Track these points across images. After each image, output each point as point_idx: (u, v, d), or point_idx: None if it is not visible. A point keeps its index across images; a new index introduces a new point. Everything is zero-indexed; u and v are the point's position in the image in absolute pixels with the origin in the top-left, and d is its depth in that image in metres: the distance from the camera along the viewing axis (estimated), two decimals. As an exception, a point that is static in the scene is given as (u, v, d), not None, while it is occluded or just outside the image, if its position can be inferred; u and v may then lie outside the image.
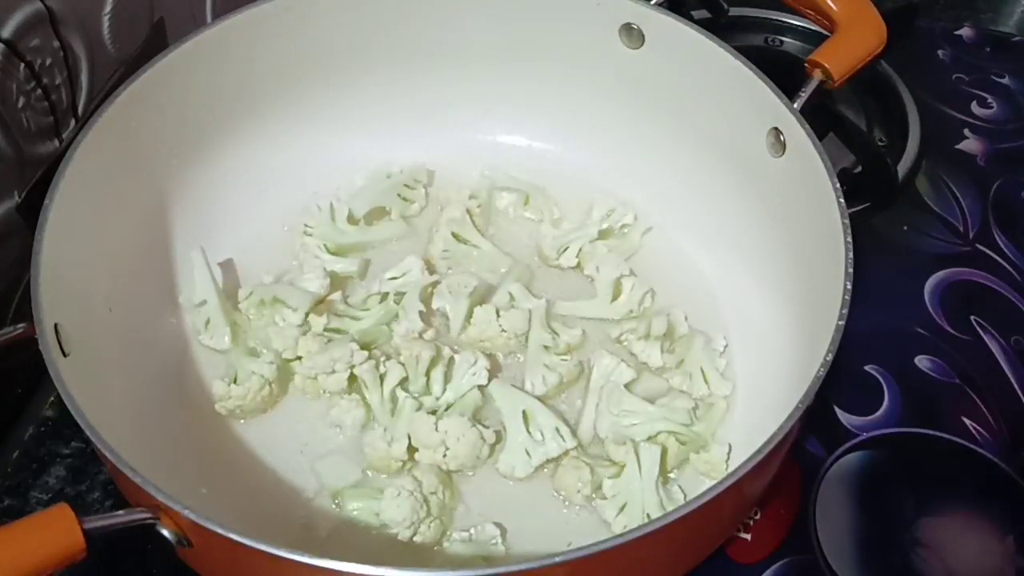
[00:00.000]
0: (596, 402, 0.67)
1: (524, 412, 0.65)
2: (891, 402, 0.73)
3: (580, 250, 0.76)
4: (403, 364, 0.67)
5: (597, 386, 0.68)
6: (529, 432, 0.65)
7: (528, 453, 0.64)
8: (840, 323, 0.55)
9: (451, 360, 0.67)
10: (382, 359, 0.68)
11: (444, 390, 0.67)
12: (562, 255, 0.76)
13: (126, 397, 0.63)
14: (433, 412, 0.65)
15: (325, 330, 0.70)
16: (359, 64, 0.78)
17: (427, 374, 0.67)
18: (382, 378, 0.67)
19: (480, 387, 0.67)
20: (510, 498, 0.65)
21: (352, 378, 0.67)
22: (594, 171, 0.81)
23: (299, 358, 0.69)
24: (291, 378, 0.69)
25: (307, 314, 0.70)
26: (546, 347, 0.69)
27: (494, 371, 0.68)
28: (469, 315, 0.70)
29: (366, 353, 0.67)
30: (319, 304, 0.72)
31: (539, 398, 0.68)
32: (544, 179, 0.81)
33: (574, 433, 0.66)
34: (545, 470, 0.65)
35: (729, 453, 0.65)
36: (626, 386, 0.67)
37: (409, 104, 0.81)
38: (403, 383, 0.67)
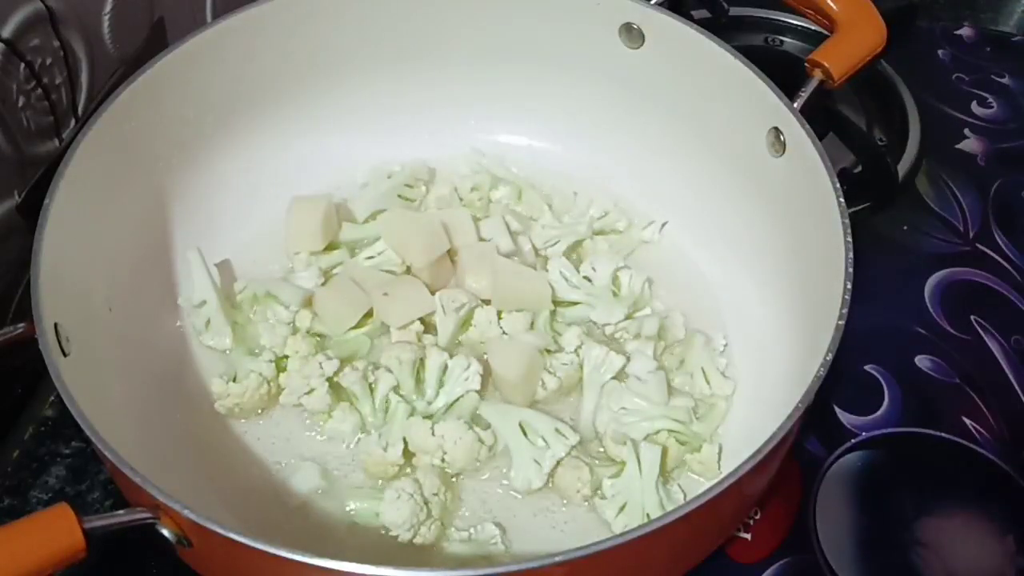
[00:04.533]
0: (594, 396, 0.67)
1: (520, 424, 0.65)
2: (891, 402, 0.73)
3: (570, 246, 0.76)
4: (391, 371, 0.67)
5: (591, 379, 0.68)
6: (531, 441, 0.65)
7: (537, 462, 0.64)
8: (840, 323, 0.55)
9: (444, 365, 0.67)
10: (370, 368, 0.68)
11: (437, 395, 0.67)
12: (550, 248, 0.76)
13: (126, 397, 0.63)
14: (429, 417, 0.65)
15: (309, 333, 0.70)
16: (358, 64, 0.78)
17: (416, 376, 0.67)
18: (371, 387, 0.67)
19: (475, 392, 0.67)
20: (510, 498, 0.65)
21: (336, 389, 0.67)
22: (594, 171, 0.81)
23: (287, 357, 0.69)
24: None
25: (298, 311, 0.70)
26: (548, 351, 0.69)
27: (487, 375, 0.68)
28: (459, 331, 0.70)
29: (337, 362, 0.67)
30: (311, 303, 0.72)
31: (535, 402, 0.68)
32: (543, 178, 0.81)
33: (575, 429, 0.66)
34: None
35: (720, 452, 0.66)
36: (626, 384, 0.67)
37: (409, 104, 0.81)
38: (395, 389, 0.66)
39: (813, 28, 0.89)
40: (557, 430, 0.65)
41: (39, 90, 0.72)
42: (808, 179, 0.62)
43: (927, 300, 0.79)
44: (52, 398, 0.72)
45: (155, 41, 0.81)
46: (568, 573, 0.48)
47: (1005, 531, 0.67)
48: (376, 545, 0.62)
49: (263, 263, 0.76)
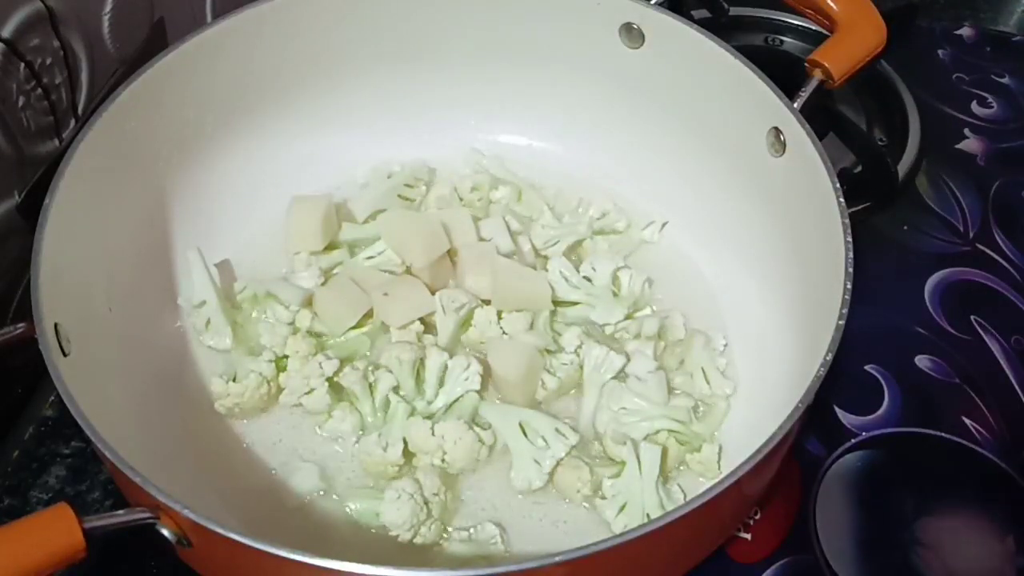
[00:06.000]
0: (594, 396, 0.67)
1: (520, 424, 0.65)
2: (891, 402, 0.73)
3: (570, 246, 0.76)
4: (391, 371, 0.67)
5: (591, 379, 0.68)
6: (531, 441, 0.65)
7: (537, 462, 0.64)
8: (840, 323, 0.55)
9: (444, 365, 0.67)
10: (370, 368, 0.68)
11: (437, 395, 0.67)
12: (550, 248, 0.76)
13: (126, 397, 0.63)
14: (429, 417, 0.65)
15: (309, 333, 0.70)
16: (358, 64, 0.78)
17: (416, 376, 0.67)
18: (372, 387, 0.67)
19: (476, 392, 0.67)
20: (510, 498, 0.65)
21: (336, 389, 0.67)
22: (594, 171, 0.81)
23: (287, 357, 0.69)
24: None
25: (299, 310, 0.70)
26: (548, 351, 0.69)
27: (487, 375, 0.68)
28: (459, 331, 0.70)
29: (337, 362, 0.67)
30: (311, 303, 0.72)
31: (536, 402, 0.68)
32: (543, 178, 0.81)
33: (575, 428, 0.66)
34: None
35: (720, 452, 0.66)
36: (626, 384, 0.67)
37: (409, 104, 0.81)
38: (395, 389, 0.67)
39: (813, 28, 0.89)
40: (557, 430, 0.65)
41: (39, 90, 0.72)
42: (808, 179, 0.62)
43: (927, 300, 0.79)
44: (52, 398, 0.72)
45: (155, 41, 0.81)
46: (568, 573, 0.48)
47: (1005, 531, 0.67)
48: (376, 545, 0.62)
49: (263, 263, 0.76)
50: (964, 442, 0.71)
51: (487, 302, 0.71)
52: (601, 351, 0.68)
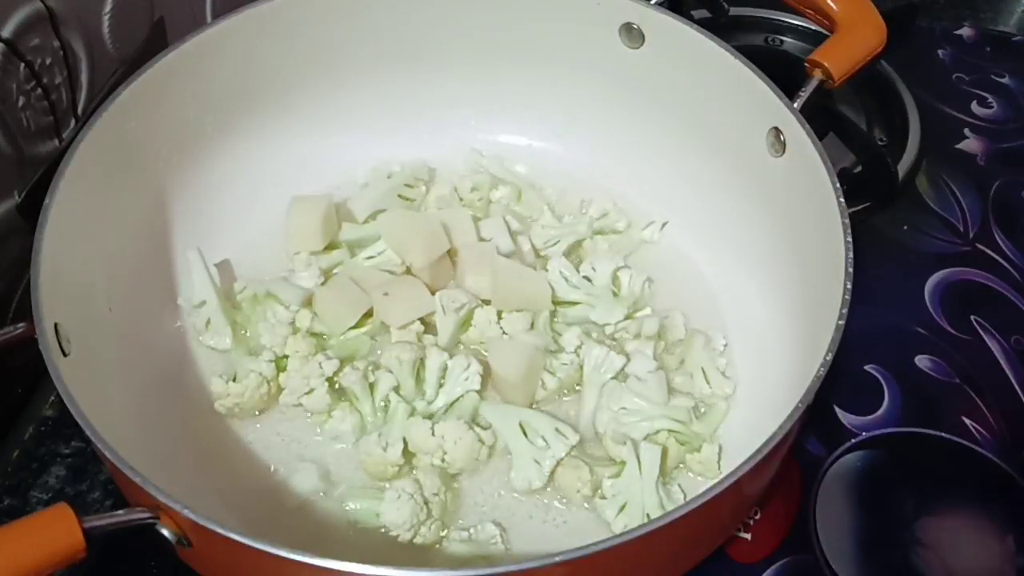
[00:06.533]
0: (594, 396, 0.67)
1: (520, 424, 0.65)
2: (891, 402, 0.73)
3: (570, 246, 0.76)
4: (391, 371, 0.67)
5: (591, 379, 0.68)
6: (531, 441, 0.65)
7: (537, 462, 0.64)
8: (840, 323, 0.55)
9: (444, 365, 0.67)
10: (370, 368, 0.68)
11: (437, 395, 0.67)
12: (550, 248, 0.76)
13: (126, 397, 0.63)
14: (429, 417, 0.65)
15: (309, 333, 0.70)
16: (358, 64, 0.78)
17: (416, 376, 0.67)
18: (372, 387, 0.67)
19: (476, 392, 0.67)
20: (510, 498, 0.65)
21: (336, 389, 0.67)
22: (594, 171, 0.81)
23: (287, 357, 0.69)
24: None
25: (299, 310, 0.70)
26: (548, 351, 0.69)
27: (487, 375, 0.68)
28: (459, 331, 0.70)
29: (337, 362, 0.67)
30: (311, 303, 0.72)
31: (536, 402, 0.68)
32: (543, 178, 0.81)
33: (575, 428, 0.66)
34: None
35: (720, 452, 0.66)
36: (626, 384, 0.67)
37: (409, 104, 0.81)
38: (395, 389, 0.67)
39: (813, 28, 0.89)
40: (557, 430, 0.65)
41: (39, 90, 0.72)
42: (808, 179, 0.62)
43: (927, 300, 0.79)
44: (52, 398, 0.72)
45: (155, 41, 0.81)
46: (568, 573, 0.48)
47: (1005, 531, 0.67)
48: (376, 545, 0.62)
49: (263, 263, 0.76)
50: (964, 442, 0.71)
51: (487, 302, 0.71)
52: (601, 351, 0.68)
